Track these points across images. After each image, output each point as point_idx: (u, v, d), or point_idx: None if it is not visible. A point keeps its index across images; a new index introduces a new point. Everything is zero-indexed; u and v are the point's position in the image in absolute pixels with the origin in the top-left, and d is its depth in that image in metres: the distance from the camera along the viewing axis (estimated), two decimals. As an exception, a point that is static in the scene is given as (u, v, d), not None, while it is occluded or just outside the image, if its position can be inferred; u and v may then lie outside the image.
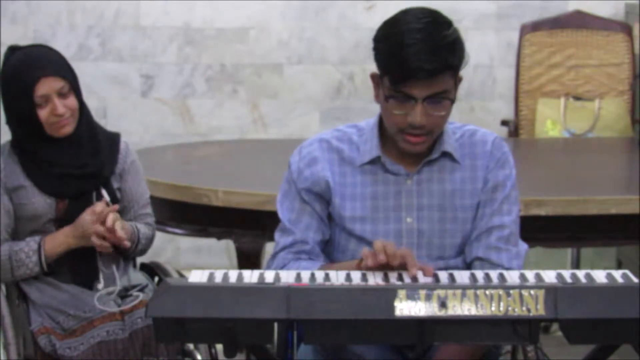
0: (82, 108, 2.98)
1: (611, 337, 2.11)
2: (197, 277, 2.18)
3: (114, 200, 3.01)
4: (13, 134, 3.00)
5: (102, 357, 2.87)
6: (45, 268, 2.94)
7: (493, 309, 2.03)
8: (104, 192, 2.99)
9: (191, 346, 3.02)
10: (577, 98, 5.00)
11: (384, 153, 2.52)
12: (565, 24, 5.14)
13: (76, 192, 2.97)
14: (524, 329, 2.05)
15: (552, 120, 4.92)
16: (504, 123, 5.12)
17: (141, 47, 5.36)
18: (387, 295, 2.03)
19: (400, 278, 2.26)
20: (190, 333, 2.07)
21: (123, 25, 5.33)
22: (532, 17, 5.24)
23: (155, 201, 3.31)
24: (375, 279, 2.25)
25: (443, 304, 2.03)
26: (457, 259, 2.55)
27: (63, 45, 5.10)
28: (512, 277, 2.24)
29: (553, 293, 2.04)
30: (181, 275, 3.13)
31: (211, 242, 4.22)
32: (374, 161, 2.53)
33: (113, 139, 3.07)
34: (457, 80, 2.45)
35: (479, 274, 2.28)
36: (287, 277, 2.24)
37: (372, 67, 2.49)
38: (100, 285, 2.99)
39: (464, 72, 2.47)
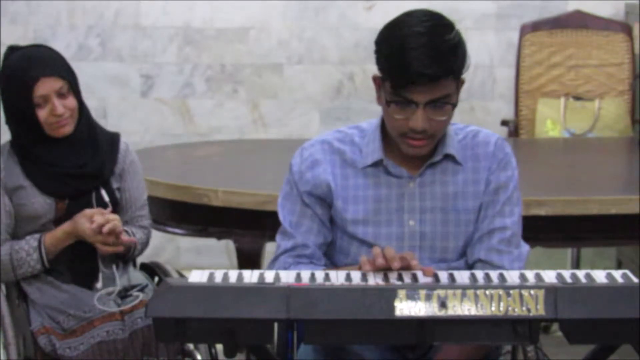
0: (82, 108, 2.98)
1: (611, 337, 2.11)
2: (197, 277, 2.18)
3: (113, 200, 3.01)
4: (12, 134, 3.00)
5: (102, 357, 2.87)
6: (47, 265, 2.94)
7: (493, 309, 2.03)
8: (104, 193, 2.99)
9: (191, 346, 3.02)
10: (577, 98, 5.00)
11: (387, 155, 2.51)
12: (565, 24, 5.14)
13: (75, 192, 2.98)
14: (524, 329, 2.05)
15: (552, 120, 4.92)
16: (504, 123, 5.12)
17: (141, 47, 5.36)
18: (387, 295, 2.03)
19: (400, 278, 2.26)
20: (190, 333, 2.07)
21: (123, 25, 5.33)
22: (532, 17, 5.24)
23: (155, 201, 3.31)
24: (375, 279, 2.25)
25: (443, 304, 2.03)
26: (459, 261, 2.54)
27: (63, 45, 5.11)
28: (512, 277, 2.24)
29: (553, 293, 2.04)
30: (181, 275, 3.13)
31: (211, 242, 4.22)
32: (377, 164, 2.52)
33: (113, 139, 3.07)
34: (459, 83, 2.44)
35: (479, 274, 2.28)
36: (287, 277, 2.24)
37: (372, 67, 2.48)
38: (100, 285, 2.99)
39: (465, 73, 2.46)
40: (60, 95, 2.90)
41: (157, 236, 3.22)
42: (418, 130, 2.39)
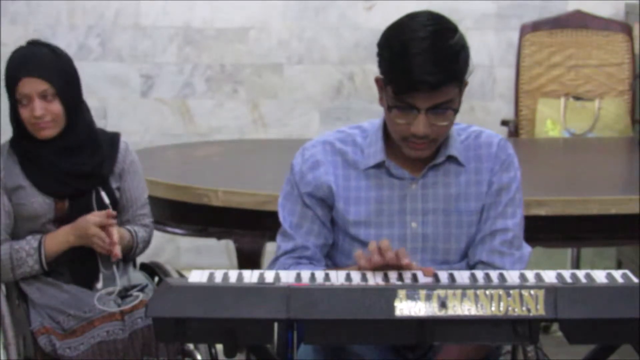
0: (77, 113, 2.96)
1: (611, 337, 2.11)
2: (197, 277, 2.18)
3: (113, 200, 3.01)
4: (13, 132, 3.01)
5: (102, 357, 2.87)
6: (46, 267, 2.94)
7: (493, 309, 2.03)
8: (103, 193, 2.99)
9: (191, 346, 3.02)
10: (577, 98, 5.00)
11: (389, 157, 2.50)
12: (565, 24, 5.14)
13: (75, 192, 2.98)
14: (524, 329, 2.05)
15: (552, 120, 4.92)
16: (504, 123, 5.12)
17: (141, 47, 5.36)
18: (387, 295, 2.03)
19: (400, 278, 2.26)
20: (190, 333, 2.07)
21: (123, 25, 5.33)
22: (532, 17, 5.24)
23: (155, 201, 3.31)
24: (375, 279, 2.25)
25: (443, 304, 2.03)
26: (461, 263, 2.53)
27: (63, 45, 5.04)
28: (512, 277, 2.24)
29: (553, 293, 2.03)
30: (181, 275, 3.13)
31: (211, 242, 4.22)
32: (379, 165, 2.51)
33: (113, 139, 3.07)
34: (462, 87, 2.43)
35: (479, 274, 2.27)
36: (287, 277, 2.24)
37: (372, 67, 2.47)
38: (100, 285, 2.99)
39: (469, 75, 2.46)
40: (44, 97, 2.90)
41: (157, 236, 3.22)
42: (420, 135, 2.38)
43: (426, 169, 2.50)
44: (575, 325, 2.06)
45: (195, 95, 5.40)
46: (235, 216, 3.52)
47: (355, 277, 2.25)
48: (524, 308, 2.03)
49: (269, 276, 2.22)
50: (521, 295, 2.03)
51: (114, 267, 3.03)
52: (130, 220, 3.08)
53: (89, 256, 2.99)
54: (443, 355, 2.48)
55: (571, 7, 5.26)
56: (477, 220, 2.52)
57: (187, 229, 3.70)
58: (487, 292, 2.03)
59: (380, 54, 2.41)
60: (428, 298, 2.03)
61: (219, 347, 2.20)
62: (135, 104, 5.39)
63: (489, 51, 5.36)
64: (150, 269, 3.23)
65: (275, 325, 2.16)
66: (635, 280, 2.19)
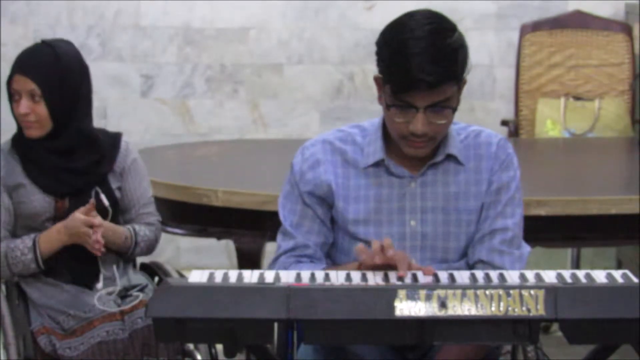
0: (69, 116, 2.95)
1: (611, 337, 2.11)
2: (197, 277, 2.18)
3: (113, 200, 3.01)
4: (17, 128, 3.02)
5: (102, 357, 2.87)
6: (42, 266, 2.93)
7: (493, 309, 2.03)
8: (102, 194, 2.98)
9: (191, 346, 3.02)
10: (577, 98, 5.00)
11: (388, 155, 2.50)
12: (565, 24, 5.14)
13: (74, 191, 2.98)
14: (524, 329, 2.05)
15: (552, 120, 4.92)
16: (504, 123, 5.12)
17: (141, 47, 5.36)
18: (387, 295, 2.03)
19: (400, 278, 2.25)
20: (190, 333, 2.07)
21: (123, 25, 5.33)
22: (532, 17, 5.24)
23: (156, 201, 3.31)
24: (375, 279, 2.25)
25: (443, 304, 2.03)
26: (461, 261, 2.53)
27: (63, 45, 5.10)
28: (512, 277, 2.23)
29: (553, 293, 2.03)
30: (181, 275, 3.12)
31: (211, 242, 4.22)
32: (378, 163, 2.51)
33: (114, 139, 3.07)
34: (461, 85, 2.43)
35: (479, 274, 2.27)
36: (287, 277, 2.24)
37: (372, 67, 2.47)
38: (100, 286, 2.99)
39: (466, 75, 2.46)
40: (32, 97, 2.91)
41: (156, 236, 3.21)
42: (418, 134, 2.38)
43: (425, 168, 2.50)
44: (575, 325, 2.06)
45: (195, 95, 5.40)
46: (235, 216, 3.52)
47: (355, 277, 2.25)
48: (524, 308, 2.03)
49: (269, 276, 2.22)
50: (521, 295, 2.03)
51: (114, 267, 3.03)
52: (134, 219, 3.07)
53: (89, 256, 2.98)
54: (442, 355, 2.48)
55: (571, 7, 5.26)
56: (476, 219, 2.52)
57: (187, 229, 3.70)
58: (487, 292, 2.04)
59: (378, 53, 2.41)
60: (428, 298, 2.03)
61: (219, 347, 2.20)
62: (135, 104, 5.39)
63: (489, 51, 5.36)
64: (150, 269, 3.23)
65: (275, 325, 2.16)
66: (635, 280, 2.19)
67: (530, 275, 2.23)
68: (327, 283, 2.19)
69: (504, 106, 5.34)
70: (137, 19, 5.34)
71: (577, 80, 5.08)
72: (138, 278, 3.10)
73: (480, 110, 5.37)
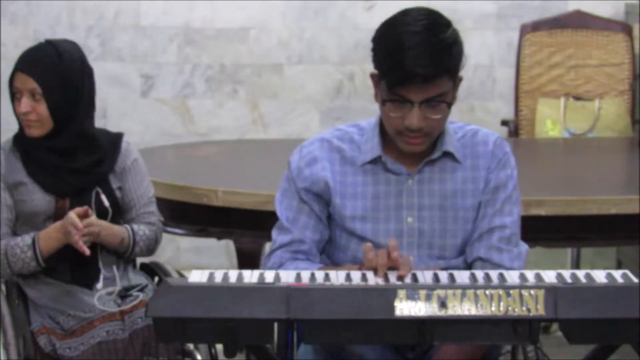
0: (70, 116, 2.95)
1: (611, 337, 2.11)
2: (197, 277, 2.18)
3: (113, 200, 3.01)
4: (19, 126, 3.01)
5: (102, 357, 2.87)
6: (42, 263, 2.93)
7: (493, 309, 2.03)
8: (102, 194, 2.98)
9: (191, 346, 3.02)
10: (577, 98, 5.00)
11: (385, 152, 2.52)
12: (565, 24, 5.14)
13: (74, 190, 2.98)
14: (524, 329, 2.05)
15: (552, 120, 4.92)
16: (504, 123, 5.12)
17: (141, 47, 5.36)
18: (387, 295, 2.03)
19: (400, 278, 2.26)
20: (190, 333, 2.07)
21: (123, 25, 5.33)
22: (532, 17, 5.24)
23: (156, 201, 3.31)
24: (375, 279, 2.25)
25: (443, 304, 2.03)
26: (458, 259, 2.54)
27: (63, 45, 5.10)
28: (512, 277, 2.24)
29: (553, 293, 2.04)
30: (181, 275, 3.12)
31: (211, 242, 4.22)
32: (375, 160, 2.52)
33: (115, 139, 3.07)
34: (456, 81, 2.44)
35: (479, 274, 2.28)
36: (287, 277, 2.24)
37: (372, 67, 2.48)
38: (100, 286, 2.99)
39: (464, 73, 2.46)
40: (33, 96, 2.91)
41: (157, 236, 3.21)
42: (414, 128, 2.40)
43: (422, 164, 2.51)
44: (575, 325, 2.06)
45: (195, 95, 5.40)
46: (235, 216, 3.52)
47: (355, 277, 2.25)
48: (524, 308, 2.03)
49: (269, 276, 2.22)
50: (521, 295, 2.03)
51: (114, 268, 3.03)
52: (135, 218, 3.07)
53: (90, 256, 2.98)
54: (442, 354, 2.48)
55: (571, 7, 5.26)
56: (473, 216, 2.53)
57: (187, 229, 3.70)
58: (487, 292, 2.04)
59: (374, 49, 2.44)
60: (428, 298, 2.03)
61: (219, 347, 2.20)
62: (135, 104, 5.39)
63: (489, 51, 5.36)
64: (150, 269, 3.23)
65: (275, 325, 2.16)
66: (635, 280, 2.19)
67: (530, 275, 2.23)
68: (327, 283, 2.19)
69: (504, 106, 5.34)
70: (137, 19, 5.34)
71: (577, 80, 5.08)
72: (138, 278, 3.10)
73: (480, 110, 5.37)
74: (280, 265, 2.52)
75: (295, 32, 5.37)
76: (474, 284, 2.19)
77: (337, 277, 2.25)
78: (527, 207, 3.30)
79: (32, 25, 5.28)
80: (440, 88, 2.38)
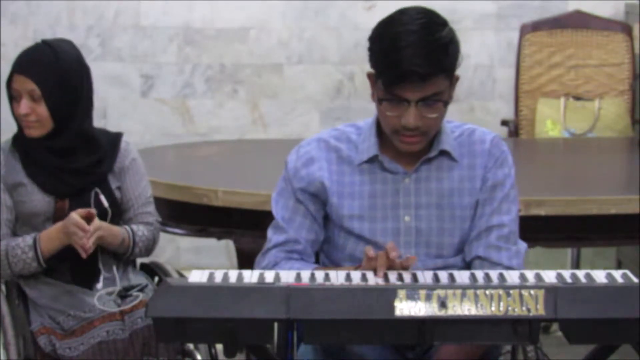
0: (70, 116, 2.95)
1: (611, 337, 2.11)
2: (197, 277, 2.18)
3: (112, 200, 3.01)
4: (18, 127, 3.01)
5: (102, 357, 2.87)
6: (43, 264, 2.93)
7: (493, 309, 2.03)
8: (101, 195, 2.98)
9: (191, 346, 3.02)
10: (577, 98, 5.00)
11: (382, 152, 2.52)
12: (565, 24, 5.14)
13: (73, 191, 2.97)
14: (524, 329, 2.05)
15: (552, 120, 4.92)
16: (504, 123, 5.12)
17: (141, 47, 5.36)
18: (387, 295, 2.03)
19: (400, 278, 2.26)
20: (190, 333, 2.07)
21: (123, 25, 5.33)
22: (532, 17, 5.24)
23: (155, 201, 3.30)
24: (375, 279, 2.25)
25: (443, 304, 2.03)
26: (456, 257, 2.54)
27: (63, 45, 5.10)
28: (512, 277, 2.24)
29: (553, 293, 2.04)
30: (181, 275, 3.12)
31: (211, 242, 4.22)
32: (372, 160, 2.53)
33: (114, 139, 3.07)
34: (453, 80, 2.44)
35: (479, 274, 2.28)
36: (287, 277, 2.24)
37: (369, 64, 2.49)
38: (100, 286, 2.99)
39: (464, 72, 2.46)
40: (32, 97, 2.91)
41: (156, 236, 3.21)
42: (410, 127, 2.40)
43: (419, 163, 2.52)
44: (575, 325, 2.06)
45: (195, 95, 5.40)
46: (235, 216, 3.52)
47: (355, 277, 2.25)
48: (524, 308, 2.03)
49: (269, 276, 2.22)
50: (521, 295, 2.03)
51: (114, 268, 3.03)
52: (133, 218, 3.07)
53: (90, 256, 2.98)
54: (442, 354, 2.48)
55: (571, 7, 5.26)
56: (470, 215, 2.53)
57: (187, 229, 3.70)
58: (487, 292, 2.04)
59: (371, 48, 2.44)
60: (428, 298, 2.03)
61: (219, 347, 2.20)
62: (135, 104, 5.39)
63: (489, 51, 5.36)
64: (150, 269, 3.23)
65: (275, 325, 2.16)
66: (635, 280, 2.19)
67: (530, 275, 2.23)
68: (327, 283, 2.19)
69: (504, 106, 5.34)
70: (137, 19, 5.34)
71: (577, 80, 5.08)
72: (138, 278, 3.10)
73: (480, 110, 5.37)
74: (274, 265, 2.52)
75: (295, 32, 5.37)
76: (474, 284, 2.19)
77: (337, 277, 2.25)
78: (527, 207, 3.31)
79: (32, 25, 5.28)
80: (436, 87, 2.38)
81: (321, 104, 5.41)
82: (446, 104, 2.43)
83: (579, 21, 5.12)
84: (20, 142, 3.00)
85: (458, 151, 2.54)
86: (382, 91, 2.41)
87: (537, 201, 3.43)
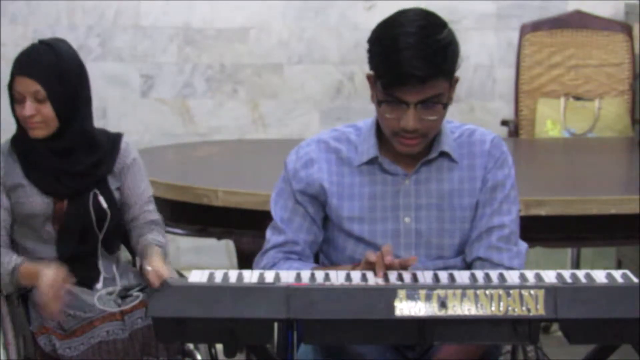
0: (73, 116, 2.95)
1: (611, 337, 2.11)
2: (197, 277, 2.18)
3: (111, 201, 3.00)
4: (17, 127, 3.00)
5: (102, 357, 2.87)
6: (19, 291, 2.92)
7: (493, 309, 2.03)
8: (100, 196, 2.98)
9: (191, 346, 3.02)
10: (577, 98, 5.00)
11: (382, 153, 2.52)
12: (565, 24, 5.14)
13: (72, 192, 2.97)
14: (524, 329, 2.05)
15: (552, 120, 4.92)
16: (504, 123, 5.12)
17: (141, 47, 5.36)
18: (387, 295, 2.03)
19: (400, 278, 2.26)
20: (190, 333, 2.07)
21: (123, 25, 5.33)
22: (532, 17, 5.24)
23: (155, 201, 3.31)
24: (375, 279, 2.25)
25: (443, 304, 2.03)
26: (456, 258, 2.54)
27: (63, 45, 5.10)
28: (512, 277, 2.24)
29: (553, 293, 2.04)
30: (181, 275, 3.12)
31: (211, 242, 4.22)
32: (372, 161, 2.52)
33: (114, 140, 3.06)
34: (452, 82, 2.44)
35: (479, 274, 2.28)
36: (287, 277, 2.24)
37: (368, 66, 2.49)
38: (101, 285, 2.99)
39: (464, 72, 2.46)
40: (36, 98, 2.90)
41: (157, 236, 3.21)
42: (409, 129, 2.40)
43: (419, 165, 2.52)
44: (575, 325, 2.06)
45: (195, 95, 5.40)
46: (235, 216, 3.52)
47: (355, 277, 2.25)
48: (524, 308, 2.03)
49: (269, 276, 2.22)
50: (521, 295, 2.03)
51: (114, 268, 3.03)
52: (137, 216, 3.05)
53: (90, 257, 2.99)
54: (442, 354, 2.48)
55: (571, 7, 5.26)
56: (470, 216, 2.53)
57: (187, 229, 3.70)
58: (487, 292, 2.04)
59: (370, 50, 2.44)
60: (428, 298, 2.03)
61: (219, 347, 2.20)
62: (135, 104, 5.39)
63: (489, 51, 5.36)
64: (150, 269, 3.23)
65: (275, 325, 2.16)
66: (635, 280, 2.19)
67: (530, 275, 2.23)
68: (327, 283, 2.19)
69: (504, 106, 5.34)
70: (137, 19, 5.34)
71: (577, 80, 5.08)
72: (138, 278, 3.10)
73: (480, 110, 5.37)
74: (273, 265, 2.53)
75: (295, 32, 5.37)
76: (474, 284, 2.19)
77: (337, 277, 2.25)
78: (527, 207, 3.31)
79: (32, 25, 5.28)
80: (435, 89, 2.38)
81: (321, 104, 5.41)
82: (446, 106, 2.43)
83: (579, 21, 5.12)
84: (19, 143, 2.99)
85: (458, 152, 2.54)
86: (381, 93, 2.40)
87: (537, 201, 3.43)
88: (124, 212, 3.06)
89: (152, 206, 3.10)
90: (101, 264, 3.01)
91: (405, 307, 2.03)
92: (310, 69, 5.39)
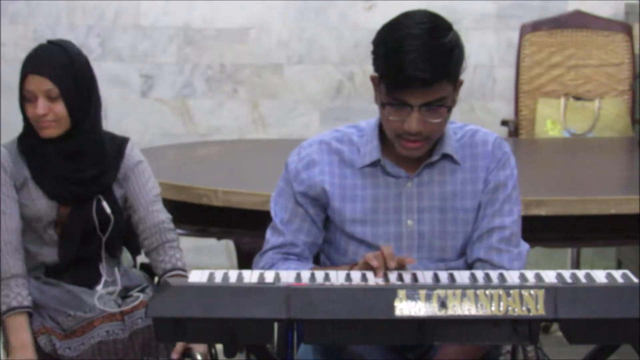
0: (85, 115, 2.94)
1: (611, 337, 2.11)
2: (197, 277, 2.18)
3: (115, 207, 2.99)
4: (24, 127, 2.99)
5: (102, 357, 2.87)
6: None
7: (493, 309, 2.03)
8: (103, 202, 2.97)
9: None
10: (577, 98, 5.00)
11: (384, 155, 2.51)
12: (565, 24, 5.14)
13: (75, 198, 2.96)
14: (524, 329, 2.05)
15: (552, 120, 4.92)
16: (504, 123, 5.12)
17: (141, 47, 5.36)
18: (387, 295, 2.03)
19: (400, 278, 2.26)
20: (190, 333, 2.07)
21: (123, 25, 5.33)
22: (532, 17, 5.24)
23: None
24: (375, 279, 2.25)
25: (443, 304, 2.03)
26: (458, 260, 2.54)
27: (63, 45, 5.10)
28: (512, 277, 2.23)
29: (553, 293, 2.03)
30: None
31: (211, 242, 4.22)
32: (374, 163, 2.52)
33: (120, 145, 3.04)
34: (457, 85, 2.43)
35: (479, 274, 2.27)
36: (287, 277, 2.24)
37: (372, 68, 2.48)
38: (101, 286, 2.99)
39: (464, 73, 2.45)
40: (49, 97, 2.89)
41: (157, 236, 3.21)
42: (413, 132, 2.39)
43: (421, 167, 2.51)
44: (575, 325, 2.06)
45: (195, 95, 5.40)
46: (235, 216, 3.52)
47: (355, 277, 2.25)
48: (524, 308, 2.03)
49: (269, 276, 2.22)
50: (521, 295, 2.03)
51: (115, 269, 3.03)
52: (145, 217, 3.03)
53: (90, 256, 2.99)
54: (442, 354, 2.48)
55: (571, 7, 5.26)
56: (473, 218, 2.53)
57: (187, 229, 3.69)
58: (487, 292, 2.03)
59: (374, 52, 2.43)
60: (428, 298, 2.03)
61: (219, 347, 2.20)
62: (135, 104, 5.39)
63: (489, 51, 5.36)
64: (150, 269, 3.23)
65: (275, 325, 2.16)
66: (635, 280, 2.19)
67: (530, 275, 2.23)
68: (327, 283, 2.19)
69: (504, 106, 5.34)
70: (137, 19, 5.34)
71: (577, 80, 5.08)
72: (138, 278, 3.10)
73: (480, 110, 5.37)
74: (271, 266, 2.52)
75: (295, 32, 5.37)
76: (474, 284, 2.19)
77: (337, 277, 2.25)
78: (527, 207, 3.31)
79: (32, 25, 5.28)
80: (440, 92, 2.37)
81: (321, 104, 5.41)
82: (450, 109, 2.42)
83: (579, 21, 5.12)
84: (27, 143, 2.98)
85: (460, 154, 2.53)
86: (385, 95, 2.39)
87: (537, 201, 3.43)
88: (132, 214, 3.04)
89: (159, 205, 3.07)
90: (103, 267, 3.01)
91: (405, 307, 2.02)
92: (310, 69, 5.39)
